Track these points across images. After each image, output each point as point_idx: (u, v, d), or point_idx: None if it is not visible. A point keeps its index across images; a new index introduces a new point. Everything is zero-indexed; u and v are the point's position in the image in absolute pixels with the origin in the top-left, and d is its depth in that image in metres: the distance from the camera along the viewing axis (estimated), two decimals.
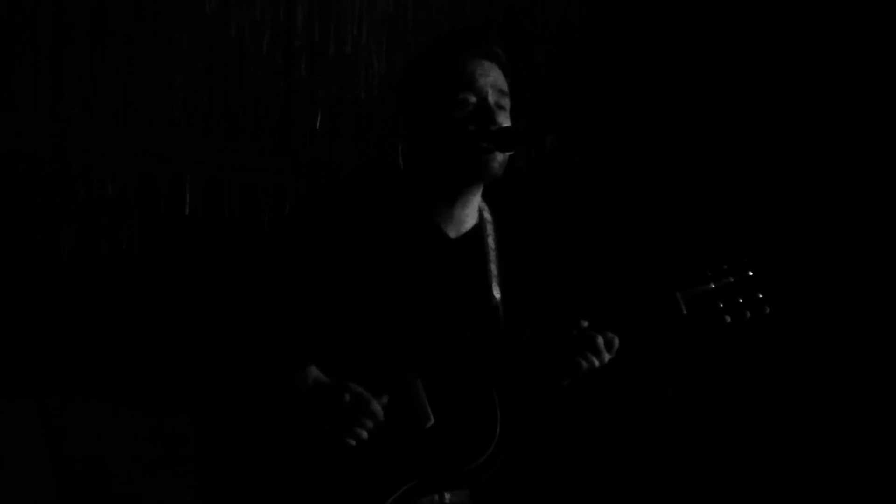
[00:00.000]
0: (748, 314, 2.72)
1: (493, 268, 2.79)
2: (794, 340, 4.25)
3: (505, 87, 2.77)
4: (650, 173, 4.43)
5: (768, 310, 2.73)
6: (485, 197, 2.84)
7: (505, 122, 2.73)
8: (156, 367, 4.04)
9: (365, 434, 2.59)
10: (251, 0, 4.26)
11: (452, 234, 2.78)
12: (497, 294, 2.77)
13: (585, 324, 2.66)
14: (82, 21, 4.12)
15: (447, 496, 2.70)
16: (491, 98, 2.73)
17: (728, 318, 2.72)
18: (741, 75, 4.41)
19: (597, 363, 2.66)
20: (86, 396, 3.93)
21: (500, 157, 2.72)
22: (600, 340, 2.65)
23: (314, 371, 2.60)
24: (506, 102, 2.76)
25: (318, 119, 4.36)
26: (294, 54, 4.34)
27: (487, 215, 2.84)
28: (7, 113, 4.09)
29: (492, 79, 2.75)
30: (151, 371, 4.04)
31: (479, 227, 2.81)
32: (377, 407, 2.59)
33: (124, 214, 4.18)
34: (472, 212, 2.80)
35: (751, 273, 2.74)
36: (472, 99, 2.72)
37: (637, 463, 4.34)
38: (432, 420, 2.62)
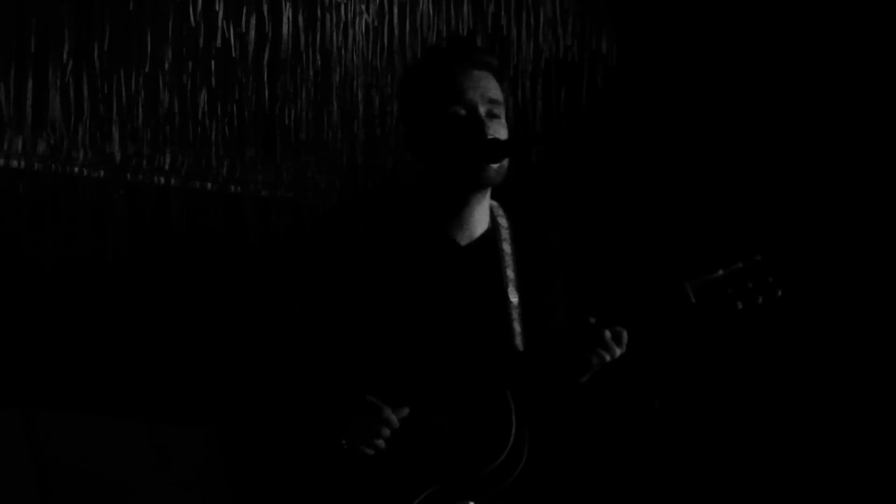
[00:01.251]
0: (760, 298, 2.68)
1: (510, 272, 2.79)
2: (799, 333, 4.24)
3: (497, 95, 2.77)
4: (650, 166, 4.43)
5: (780, 292, 2.70)
6: (499, 200, 2.85)
7: (499, 130, 2.74)
8: (143, 377, 4.03)
9: (382, 443, 2.60)
10: (237, 11, 4.26)
11: (463, 241, 2.78)
12: (514, 298, 2.77)
13: (592, 320, 2.66)
14: (66, 33, 4.11)
15: None
16: (482, 109, 2.74)
17: (739, 304, 2.69)
18: (741, 64, 4.42)
19: (607, 358, 2.66)
20: (72, 408, 3.91)
21: (494, 167, 2.73)
22: (608, 335, 2.64)
23: (330, 384, 2.63)
24: (499, 110, 2.76)
25: (304, 130, 4.35)
26: (279, 65, 4.34)
27: (503, 220, 2.84)
28: None
29: (481, 90, 2.76)
30: (139, 381, 4.03)
31: (492, 232, 2.81)
32: (391, 415, 2.61)
33: (110, 225, 4.17)
34: (481, 217, 2.80)
35: (759, 257, 2.72)
36: (463, 112, 2.73)
37: (648, 469, 4.34)
38: (449, 429, 2.63)
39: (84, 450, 3.84)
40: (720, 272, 2.70)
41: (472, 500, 2.69)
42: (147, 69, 4.21)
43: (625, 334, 2.66)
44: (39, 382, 3.98)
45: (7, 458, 3.77)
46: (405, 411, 2.63)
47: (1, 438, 3.79)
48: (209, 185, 4.27)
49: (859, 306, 4.24)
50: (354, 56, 4.40)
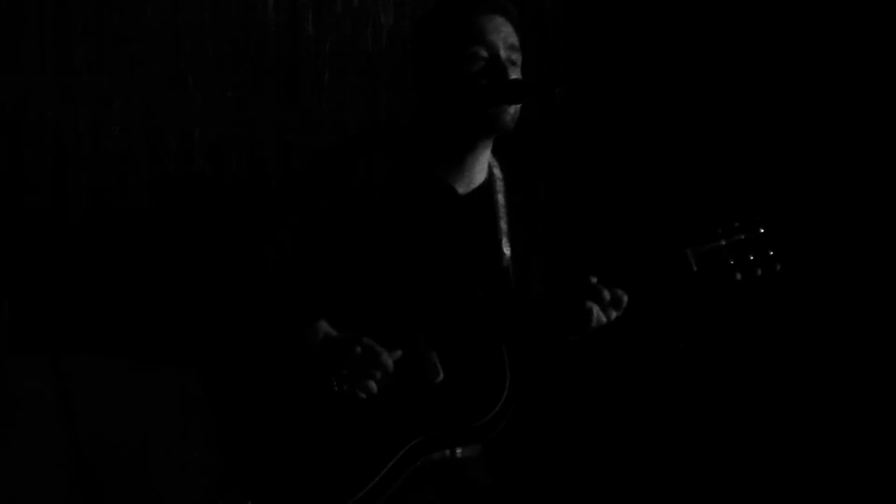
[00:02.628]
0: (759, 271, 2.72)
1: (503, 224, 2.80)
2: (803, 315, 4.24)
3: (516, 42, 2.77)
4: (661, 129, 4.41)
5: (779, 267, 2.73)
6: (496, 154, 2.84)
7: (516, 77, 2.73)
8: (166, 323, 4.05)
9: (374, 386, 2.60)
10: None
11: (461, 190, 2.79)
12: (507, 251, 2.78)
13: (594, 279, 2.66)
14: None
15: (458, 450, 2.71)
16: (503, 53, 2.74)
17: (739, 276, 2.72)
18: (752, 27, 4.38)
19: (604, 318, 2.67)
20: (98, 353, 3.95)
21: (511, 110, 2.73)
22: (606, 294, 2.65)
23: (324, 325, 2.62)
24: (517, 58, 2.76)
25: (326, 75, 4.34)
26: (301, 9, 4.32)
27: (498, 172, 2.84)
28: (14, 70, 4.08)
29: (503, 34, 2.76)
30: (161, 328, 4.05)
31: (489, 184, 2.82)
32: (388, 359, 2.61)
33: (132, 171, 4.17)
34: (481, 168, 2.80)
35: (762, 230, 2.73)
36: (484, 54, 2.73)
37: (642, 430, 4.35)
38: (441, 375, 2.63)
39: (108, 392, 3.89)
40: (723, 242, 2.72)
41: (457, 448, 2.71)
42: (168, 14, 4.20)
43: (625, 298, 2.67)
44: (65, 328, 4.00)
45: (35, 399, 3.83)
46: (398, 354, 2.63)
47: (30, 381, 3.85)
48: (231, 130, 4.27)
49: (860, 287, 4.22)
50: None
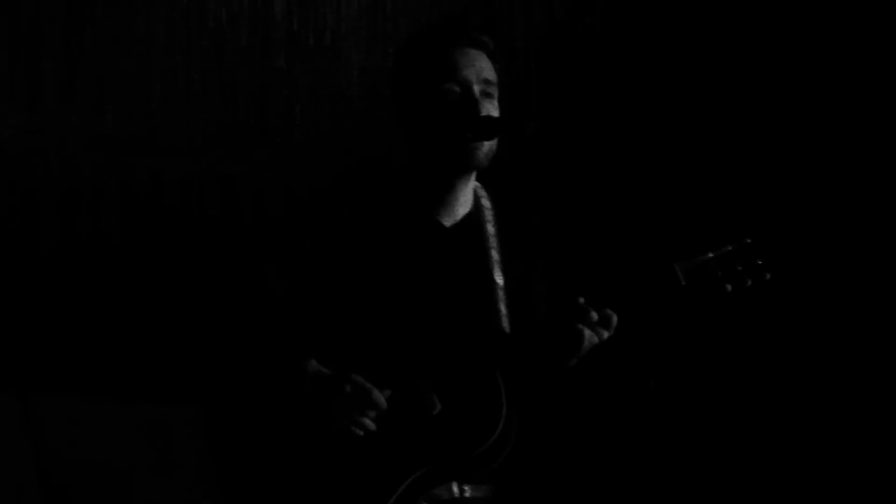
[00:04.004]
0: (749, 281, 2.69)
1: (494, 253, 2.79)
2: (792, 319, 4.24)
3: (491, 75, 2.77)
4: (639, 148, 4.42)
5: (769, 276, 2.71)
6: (483, 182, 2.85)
7: (492, 110, 2.74)
8: (138, 360, 4.02)
9: (370, 424, 2.60)
10: None
11: (447, 222, 2.79)
12: (499, 279, 2.78)
13: (582, 300, 2.65)
14: (59, 12, 4.09)
15: (467, 489, 2.70)
16: (476, 88, 2.74)
17: (729, 287, 2.69)
18: (731, 47, 4.41)
19: (596, 339, 2.66)
20: (68, 391, 3.91)
21: (485, 147, 2.73)
22: (594, 314, 2.64)
23: (314, 365, 2.61)
24: (493, 91, 2.76)
25: (297, 110, 4.34)
26: (273, 45, 4.33)
27: (486, 202, 2.84)
28: None
29: (476, 68, 2.76)
30: (134, 365, 4.02)
31: (476, 214, 2.82)
32: (379, 396, 2.60)
33: (103, 207, 4.15)
34: (466, 199, 2.80)
35: (749, 240, 2.72)
36: (457, 89, 2.73)
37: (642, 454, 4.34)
38: (438, 407, 2.62)
39: (79, 432, 3.84)
40: (710, 254, 2.70)
41: (455, 480, 2.69)
42: (140, 49, 4.20)
43: (614, 318, 2.66)
44: (35, 366, 3.96)
45: (3, 440, 3.77)
46: (388, 392, 2.62)
47: None
48: (203, 166, 4.26)
49: (850, 292, 4.23)
50: (350, 34, 4.39)
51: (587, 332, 2.64)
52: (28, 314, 4.01)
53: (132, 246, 4.14)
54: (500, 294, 2.78)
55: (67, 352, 4.01)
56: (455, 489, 2.70)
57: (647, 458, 4.30)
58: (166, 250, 4.15)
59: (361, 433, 2.61)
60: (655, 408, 4.27)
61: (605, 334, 2.68)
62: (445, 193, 2.79)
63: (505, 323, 2.77)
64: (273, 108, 4.33)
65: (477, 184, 2.85)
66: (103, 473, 3.82)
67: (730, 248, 2.72)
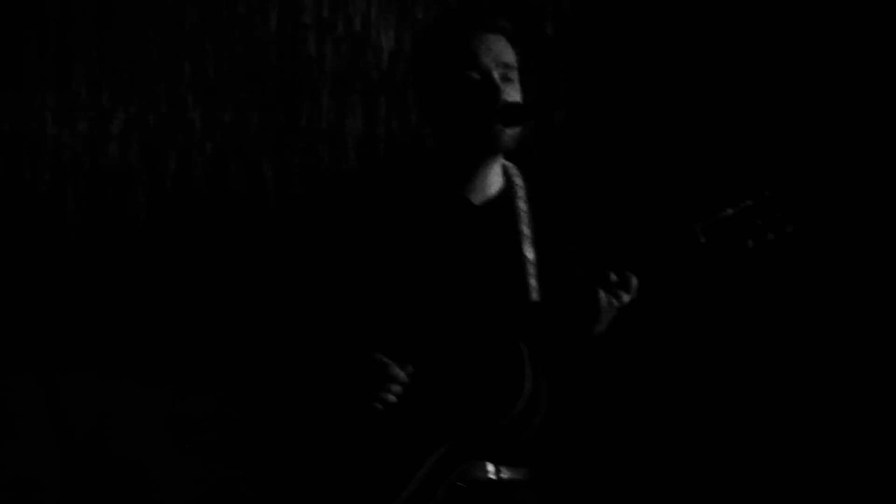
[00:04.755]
0: (770, 235, 2.63)
1: (525, 229, 2.78)
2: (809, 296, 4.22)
3: (511, 59, 2.76)
4: (656, 110, 4.40)
5: (791, 228, 2.65)
6: (514, 159, 2.84)
7: (513, 94, 2.72)
8: (162, 342, 4.05)
9: (392, 398, 2.62)
10: None
11: (477, 200, 2.79)
12: (530, 255, 2.77)
13: (602, 265, 2.64)
14: None
15: (504, 471, 2.70)
16: (496, 73, 2.73)
17: (750, 242, 2.64)
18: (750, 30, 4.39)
19: (615, 301, 2.64)
20: (91, 372, 3.94)
21: (509, 132, 2.72)
22: (612, 275, 2.63)
23: (339, 342, 2.64)
24: (513, 75, 2.75)
25: (326, 96, 4.35)
26: (301, 31, 4.33)
27: (518, 179, 2.84)
28: (14, 89, 4.10)
29: (494, 53, 2.75)
30: (158, 346, 4.05)
31: (508, 191, 2.81)
32: (398, 371, 2.62)
33: (130, 190, 4.18)
34: (495, 177, 2.80)
35: (767, 193, 2.66)
36: (476, 76, 2.72)
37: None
38: (460, 383, 2.63)
39: (104, 412, 3.87)
40: (729, 211, 2.65)
41: (489, 461, 2.69)
42: (169, 34, 4.22)
43: (633, 280, 2.65)
44: (61, 345, 4.00)
45: (27, 420, 3.81)
46: (410, 368, 2.64)
47: (22, 400, 3.84)
48: (231, 150, 4.27)
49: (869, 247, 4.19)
50: (380, 20, 4.39)
51: (602, 294, 2.62)
52: (55, 296, 4.05)
53: (159, 229, 4.17)
54: (531, 269, 2.78)
55: (92, 334, 4.05)
56: (491, 469, 2.70)
57: (673, 439, 4.29)
58: (193, 233, 4.18)
59: (382, 409, 2.62)
60: (675, 384, 4.25)
61: (625, 297, 2.66)
62: (474, 174, 2.78)
63: (535, 297, 2.76)
64: (302, 94, 4.33)
65: (508, 163, 2.85)
66: (127, 453, 3.85)
67: (749, 202, 2.65)
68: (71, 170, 4.13)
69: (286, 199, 4.26)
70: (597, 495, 4.23)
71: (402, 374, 2.63)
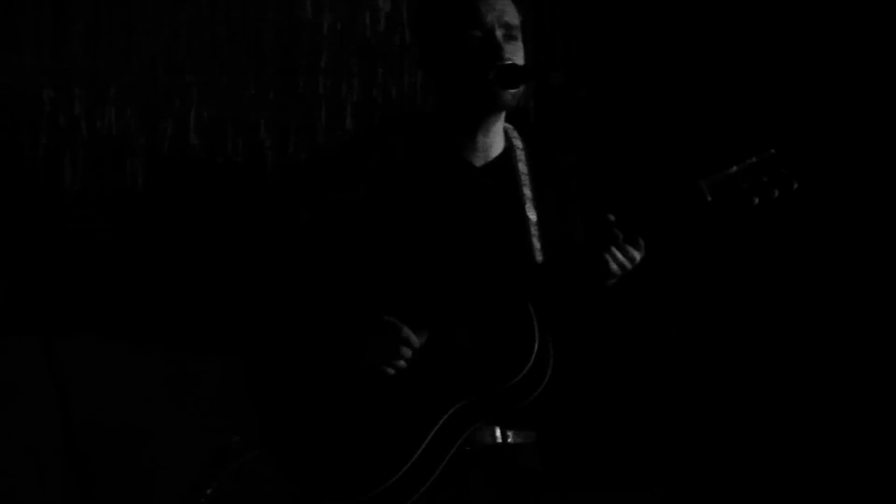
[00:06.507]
0: (776, 192, 2.61)
1: (527, 191, 2.78)
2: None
3: (513, 19, 2.75)
4: (660, 72, 4.39)
5: (796, 185, 2.65)
6: (513, 121, 2.84)
7: (516, 53, 2.72)
8: (162, 307, 4.05)
9: (403, 363, 2.62)
10: None
11: (478, 163, 2.78)
12: (532, 216, 2.77)
13: (612, 217, 2.63)
14: None
15: (510, 435, 2.71)
16: (498, 32, 2.72)
17: (756, 199, 2.64)
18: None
19: (621, 257, 2.64)
20: (91, 336, 3.93)
21: (511, 91, 2.72)
22: (621, 234, 2.63)
23: (347, 306, 2.63)
24: (516, 33, 2.74)
25: (323, 58, 4.33)
26: None
27: (518, 142, 2.83)
28: (11, 52, 4.08)
29: (497, 12, 2.74)
30: (158, 311, 4.05)
31: (508, 153, 2.81)
32: (410, 334, 2.62)
33: (128, 154, 4.17)
34: (496, 139, 2.80)
35: (773, 150, 2.67)
36: (479, 34, 2.72)
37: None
38: (470, 346, 2.63)
39: (104, 377, 3.88)
40: (734, 168, 2.65)
41: (497, 424, 2.70)
42: None
43: (641, 240, 2.65)
44: (61, 310, 4.00)
45: (27, 383, 3.81)
46: (424, 334, 2.64)
47: (21, 364, 3.84)
48: (228, 113, 4.26)
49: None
50: None
51: (615, 253, 2.62)
52: (54, 261, 4.04)
53: (157, 192, 4.17)
54: (534, 230, 2.77)
55: (92, 299, 4.04)
56: (498, 433, 2.70)
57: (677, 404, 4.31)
58: (191, 196, 4.17)
59: (393, 372, 2.62)
60: (676, 356, 4.26)
61: (633, 252, 2.66)
62: (474, 135, 2.78)
63: (538, 257, 2.76)
64: (298, 56, 4.32)
65: (508, 125, 2.85)
66: (126, 417, 3.86)
67: (754, 159, 2.64)
68: (68, 134, 4.11)
69: (284, 164, 4.25)
70: (599, 458, 4.25)
71: (414, 339, 2.63)
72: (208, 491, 3.65)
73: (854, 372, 4.22)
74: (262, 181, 4.23)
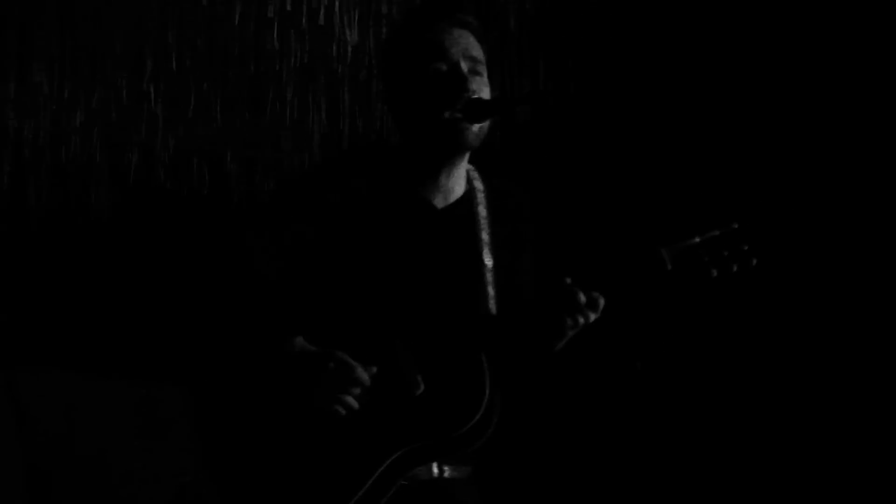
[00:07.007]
0: (735, 267, 2.68)
1: (485, 235, 2.79)
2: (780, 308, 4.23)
3: (478, 54, 2.77)
4: (630, 132, 4.41)
5: (755, 262, 2.69)
6: (476, 164, 2.84)
7: (481, 87, 2.74)
8: (125, 336, 4.02)
9: (353, 402, 2.59)
10: None
11: (439, 204, 2.79)
12: (488, 261, 2.78)
13: (568, 281, 2.64)
14: None
15: (447, 470, 2.70)
16: (464, 64, 2.74)
17: (714, 272, 2.68)
18: (720, 38, 4.40)
19: (581, 321, 2.65)
20: (54, 368, 3.90)
21: (475, 128, 2.73)
22: (581, 298, 2.63)
23: (300, 341, 2.61)
24: (481, 69, 2.76)
25: (290, 90, 4.33)
26: (265, 25, 4.31)
27: (478, 184, 2.84)
28: None
29: (462, 46, 2.76)
30: (121, 343, 4.02)
31: (469, 196, 2.82)
32: (363, 374, 2.60)
33: (93, 183, 4.15)
34: (458, 181, 2.80)
35: (735, 225, 2.70)
36: (444, 67, 2.73)
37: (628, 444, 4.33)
38: (422, 387, 2.62)
39: (66, 407, 3.84)
40: (696, 239, 2.69)
41: (447, 466, 2.69)
42: (132, 27, 4.19)
43: (601, 300, 2.66)
44: (23, 341, 3.97)
45: None
46: (374, 369, 2.62)
47: None
48: (193, 144, 4.25)
49: (836, 279, 4.22)
50: (344, 15, 4.37)
51: (573, 315, 2.63)
52: (15, 290, 4.01)
53: (121, 222, 4.14)
54: (489, 276, 2.78)
55: (54, 329, 4.01)
56: (435, 469, 2.70)
57: (631, 441, 4.30)
58: (155, 227, 4.15)
59: (344, 412, 2.60)
60: (641, 389, 4.26)
61: (592, 316, 2.67)
62: (437, 176, 2.78)
63: (492, 304, 2.77)
64: (265, 88, 4.32)
65: (470, 166, 2.85)
66: (90, 447, 3.82)
67: (717, 232, 2.70)
68: (33, 163, 4.09)
69: (250, 194, 4.24)
70: (535, 490, 4.24)
71: (365, 377, 2.61)
72: None
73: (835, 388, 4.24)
74: (227, 212, 4.22)
